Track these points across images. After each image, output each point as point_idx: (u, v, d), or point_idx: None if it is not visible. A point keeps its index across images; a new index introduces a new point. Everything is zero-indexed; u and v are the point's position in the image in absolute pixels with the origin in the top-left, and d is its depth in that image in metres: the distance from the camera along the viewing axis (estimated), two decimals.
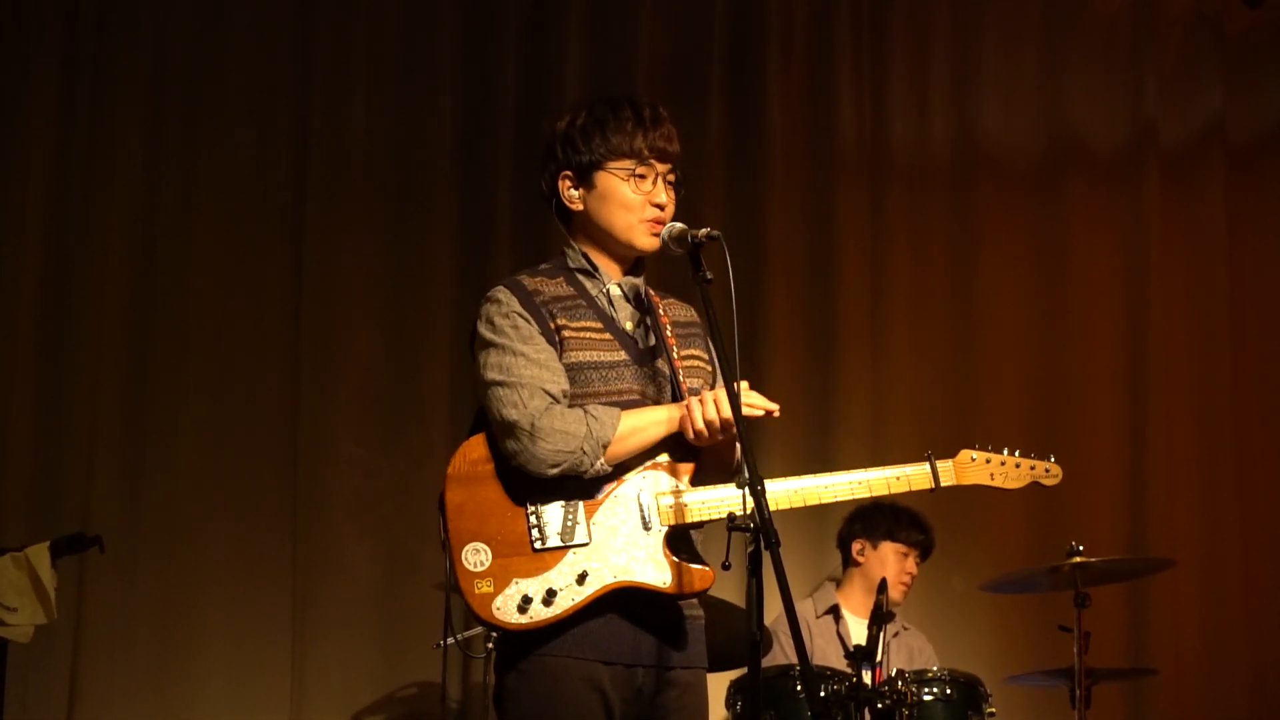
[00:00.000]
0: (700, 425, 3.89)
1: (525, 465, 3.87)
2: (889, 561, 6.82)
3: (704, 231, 3.94)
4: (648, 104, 4.14)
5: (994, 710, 6.06)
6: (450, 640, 6.65)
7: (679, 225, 4.00)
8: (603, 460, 3.90)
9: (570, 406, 3.95)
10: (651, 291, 4.22)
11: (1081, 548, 6.12)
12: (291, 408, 7.38)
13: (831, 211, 8.01)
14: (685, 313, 4.26)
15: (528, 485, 3.90)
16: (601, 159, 4.07)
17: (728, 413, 3.85)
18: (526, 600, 3.83)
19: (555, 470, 3.87)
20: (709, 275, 3.88)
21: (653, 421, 3.96)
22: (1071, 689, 6.21)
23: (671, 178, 4.11)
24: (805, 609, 6.87)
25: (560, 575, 3.86)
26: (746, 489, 3.64)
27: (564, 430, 3.86)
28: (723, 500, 3.91)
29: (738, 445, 3.87)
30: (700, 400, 3.91)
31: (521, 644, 3.90)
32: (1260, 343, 8.29)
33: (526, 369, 3.93)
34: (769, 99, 8.00)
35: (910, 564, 6.85)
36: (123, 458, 7.19)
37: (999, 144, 8.30)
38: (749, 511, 3.62)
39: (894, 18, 8.25)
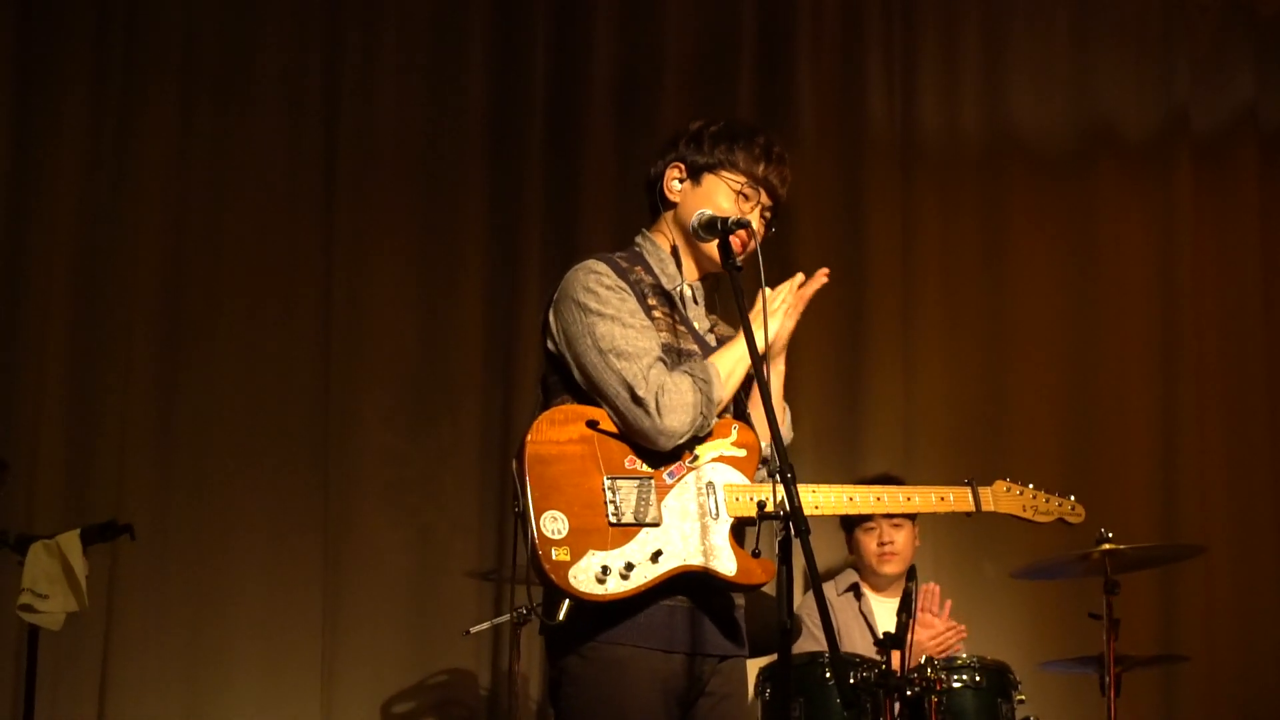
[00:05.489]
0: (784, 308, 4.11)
1: (652, 439, 3.96)
2: (864, 543, 6.88)
3: (734, 218, 4.04)
4: (779, 144, 4.27)
5: (1024, 697, 6.06)
6: (474, 629, 6.72)
7: (708, 212, 4.10)
8: (715, 414, 4.04)
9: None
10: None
11: (1111, 534, 6.10)
12: (322, 396, 7.41)
13: (861, 199, 8.00)
14: (730, 331, 4.33)
15: (606, 460, 3.96)
16: (718, 165, 4.20)
17: (786, 292, 4.11)
18: (605, 571, 3.85)
19: (680, 441, 3.98)
20: (739, 263, 3.99)
21: (739, 359, 4.08)
22: (1102, 676, 6.19)
23: (768, 215, 4.23)
24: (826, 588, 6.90)
25: (636, 551, 3.89)
26: (776, 476, 3.67)
27: (685, 403, 3.95)
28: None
29: (774, 415, 3.87)
30: (763, 308, 4.07)
31: (585, 629, 3.94)
32: None
33: (639, 340, 4.00)
34: (799, 86, 7.99)
35: (882, 534, 6.84)
36: (155, 446, 7.22)
37: (1030, 131, 8.28)
38: (779, 500, 3.64)
39: (924, 4, 8.23)
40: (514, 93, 7.75)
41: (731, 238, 4.07)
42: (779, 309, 4.10)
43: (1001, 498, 4.39)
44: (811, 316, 7.57)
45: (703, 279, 4.29)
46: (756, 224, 4.17)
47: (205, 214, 7.45)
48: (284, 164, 7.56)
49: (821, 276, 4.21)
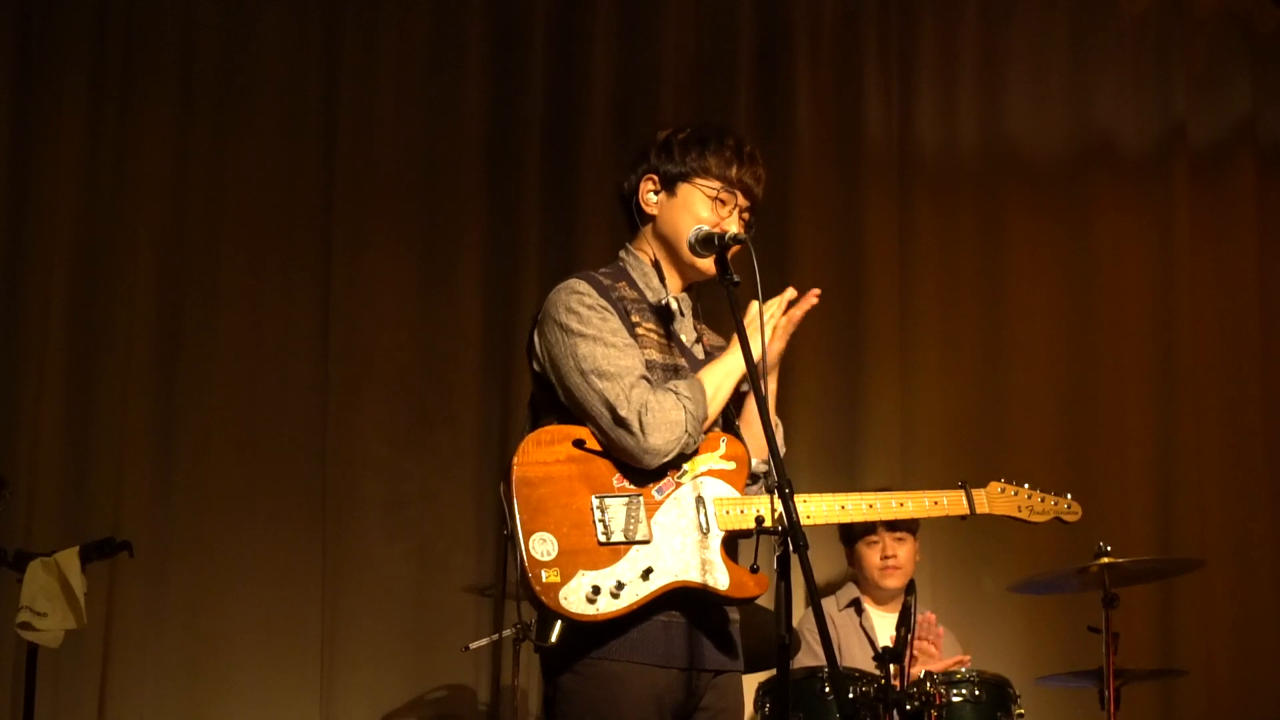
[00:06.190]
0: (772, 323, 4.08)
1: (636, 458, 3.95)
2: (866, 557, 6.87)
3: (731, 234, 4.05)
4: (748, 142, 4.26)
5: (1023, 711, 6.04)
6: (474, 645, 6.72)
7: (704, 229, 4.10)
8: (702, 431, 4.03)
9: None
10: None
11: (1109, 548, 6.10)
12: (320, 410, 7.40)
13: (859, 212, 8.00)
14: (718, 340, 4.35)
15: (594, 479, 3.95)
16: (691, 173, 4.18)
17: (776, 308, 4.07)
18: (596, 591, 3.85)
19: (666, 459, 3.96)
20: (736, 278, 3.96)
21: (726, 374, 4.08)
22: (1101, 690, 6.19)
23: (746, 216, 4.21)
24: (827, 603, 6.90)
25: (626, 569, 3.89)
26: (775, 492, 3.67)
27: (668, 421, 3.93)
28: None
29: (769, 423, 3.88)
30: (758, 317, 4.02)
31: (579, 646, 3.93)
32: None
33: (622, 359, 3.98)
34: (796, 99, 7.99)
35: (885, 548, 6.84)
36: (153, 462, 7.20)
37: (1027, 144, 8.29)
38: (778, 515, 3.64)
39: (922, 18, 8.23)
40: (512, 106, 7.76)
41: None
42: (768, 323, 4.07)
43: (996, 499, 4.37)
44: (808, 328, 7.53)
45: (687, 289, 4.28)
46: (736, 227, 4.16)
47: (203, 231, 7.43)
48: (282, 181, 7.54)
49: (812, 297, 4.18)
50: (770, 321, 4.09)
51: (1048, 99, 8.32)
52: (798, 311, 4.17)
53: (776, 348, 4.15)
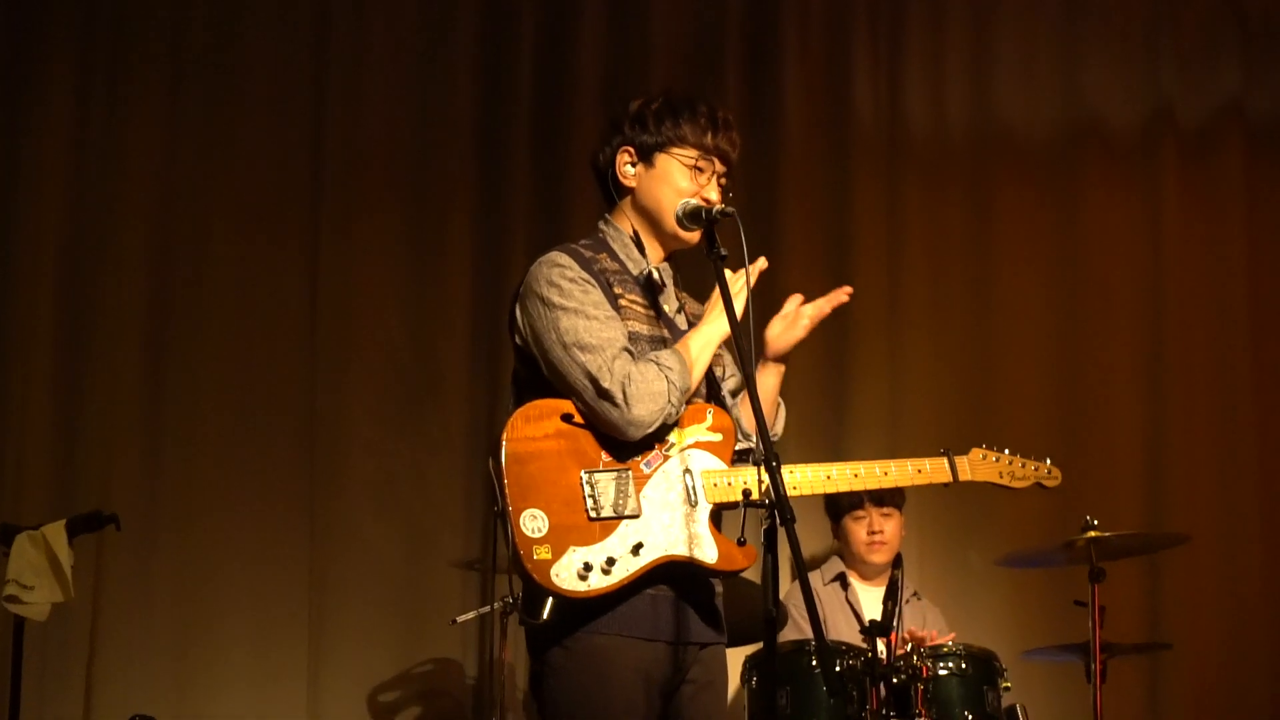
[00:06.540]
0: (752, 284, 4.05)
1: (621, 430, 3.95)
2: (853, 532, 6.88)
3: (718, 208, 4.05)
4: (720, 108, 4.26)
5: (1009, 685, 6.07)
6: (460, 619, 6.73)
7: (693, 201, 4.11)
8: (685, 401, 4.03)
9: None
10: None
11: (1096, 522, 6.12)
12: (309, 389, 7.41)
13: (848, 192, 7.99)
14: (699, 309, 4.34)
15: (582, 454, 3.96)
16: (667, 142, 4.18)
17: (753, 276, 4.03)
18: (587, 568, 3.86)
19: (649, 430, 3.96)
20: (723, 251, 3.98)
21: (706, 343, 4.09)
22: (1087, 663, 6.20)
23: (723, 182, 4.21)
24: (813, 578, 6.90)
25: (617, 544, 3.90)
26: (761, 465, 3.69)
27: (651, 392, 3.93)
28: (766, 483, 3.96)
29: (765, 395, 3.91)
30: (743, 282, 4.03)
31: (568, 622, 3.93)
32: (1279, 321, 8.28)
33: (604, 331, 3.98)
34: (785, 82, 7.98)
35: (872, 523, 6.85)
36: (141, 437, 7.22)
37: (1016, 125, 8.27)
38: (765, 488, 3.66)
39: (910, 0, 8.23)
40: (501, 88, 7.75)
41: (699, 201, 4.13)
42: (740, 291, 4.05)
43: (978, 465, 4.41)
44: None
45: (668, 258, 4.28)
46: (716, 194, 4.17)
47: (192, 213, 7.44)
48: (272, 162, 7.54)
49: (842, 294, 4.29)
50: (743, 289, 4.05)
51: (1037, 79, 8.30)
52: (827, 306, 4.25)
53: (796, 336, 4.25)
